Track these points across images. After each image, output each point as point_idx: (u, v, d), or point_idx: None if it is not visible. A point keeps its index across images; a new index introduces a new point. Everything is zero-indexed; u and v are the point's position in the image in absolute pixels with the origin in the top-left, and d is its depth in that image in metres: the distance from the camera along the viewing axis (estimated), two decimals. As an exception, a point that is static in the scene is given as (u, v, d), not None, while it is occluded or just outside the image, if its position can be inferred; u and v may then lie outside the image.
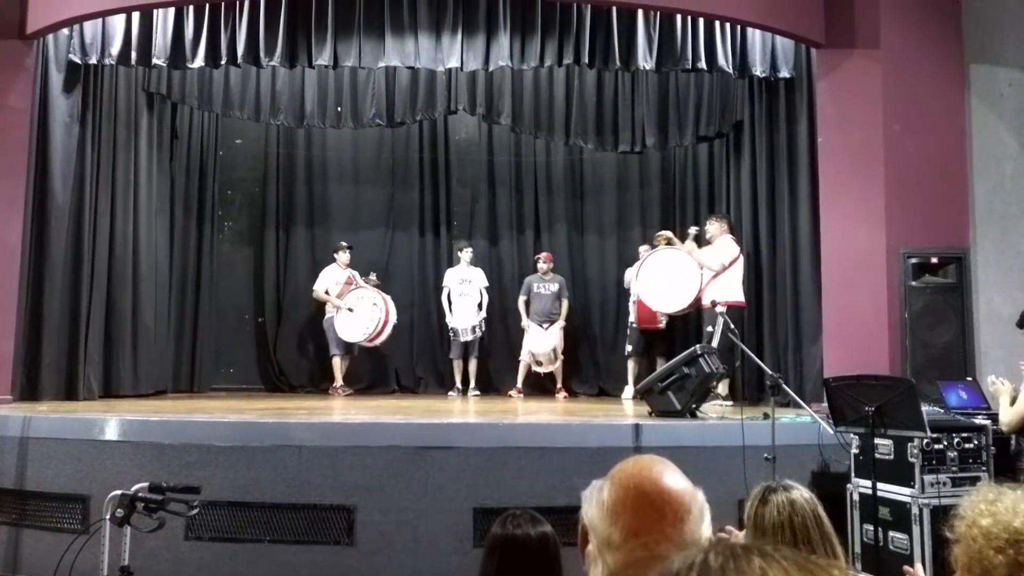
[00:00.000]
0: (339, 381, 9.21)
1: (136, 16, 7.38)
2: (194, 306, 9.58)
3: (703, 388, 6.46)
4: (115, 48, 7.41)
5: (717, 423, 6.13)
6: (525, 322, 9.21)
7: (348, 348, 9.22)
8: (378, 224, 10.31)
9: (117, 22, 7.41)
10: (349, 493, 5.24)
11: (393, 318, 9.19)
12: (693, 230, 8.45)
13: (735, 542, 0.91)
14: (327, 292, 9.27)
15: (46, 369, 7.21)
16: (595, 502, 1.40)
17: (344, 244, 9.53)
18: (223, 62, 7.57)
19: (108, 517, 3.50)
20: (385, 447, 5.34)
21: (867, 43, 7.04)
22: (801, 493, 2.52)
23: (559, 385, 9.16)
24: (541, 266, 9.33)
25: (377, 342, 9.20)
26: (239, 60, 7.48)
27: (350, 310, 9.09)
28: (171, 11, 7.36)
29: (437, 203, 10.35)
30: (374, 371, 9.92)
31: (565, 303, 9.25)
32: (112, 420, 5.60)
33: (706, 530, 1.39)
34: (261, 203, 10.31)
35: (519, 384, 9.17)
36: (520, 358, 9.19)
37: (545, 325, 9.09)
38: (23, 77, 7.20)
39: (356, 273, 9.49)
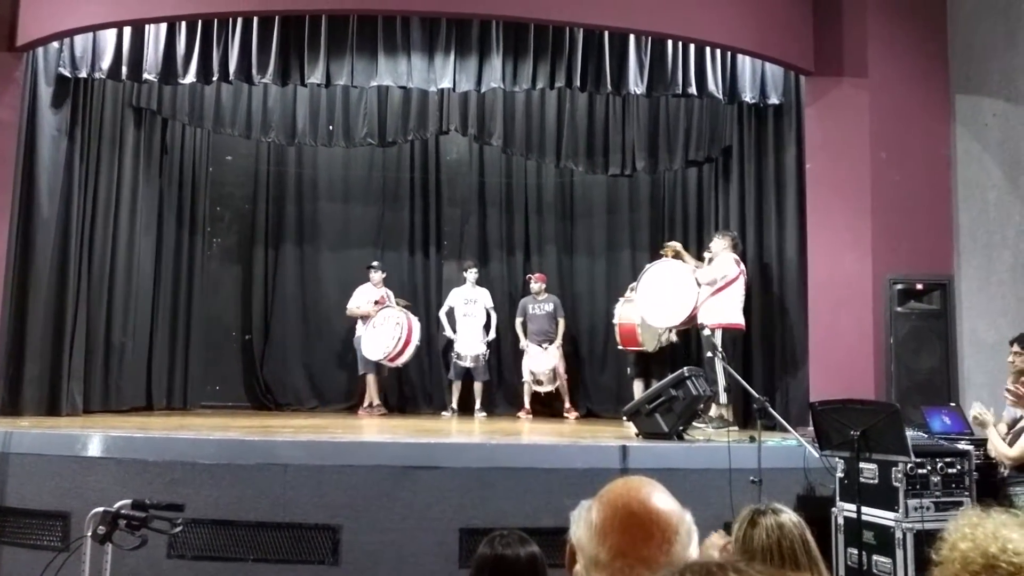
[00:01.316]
0: (371, 399, 9.21)
1: (127, 31, 7.38)
2: (185, 323, 9.51)
3: (690, 410, 6.47)
4: (105, 62, 7.41)
5: (704, 445, 6.14)
6: (523, 343, 9.24)
7: (376, 367, 9.20)
8: (368, 243, 10.30)
9: (108, 36, 7.41)
10: (334, 512, 5.21)
11: (415, 339, 9.16)
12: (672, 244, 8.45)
13: (710, 560, 0.93)
14: (358, 308, 9.30)
15: (28, 384, 7.14)
16: (583, 522, 1.41)
17: (375, 264, 9.57)
18: (215, 78, 7.57)
19: (89, 534, 3.46)
20: (371, 466, 5.32)
21: (855, 71, 7.14)
22: (790, 517, 2.53)
23: (567, 405, 9.16)
24: (534, 286, 9.37)
25: (399, 362, 9.18)
26: (231, 77, 7.48)
27: (373, 327, 9.12)
28: (163, 26, 7.37)
29: (427, 223, 10.36)
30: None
31: (561, 322, 9.28)
32: (95, 436, 5.55)
33: (693, 552, 1.39)
34: (250, 220, 10.29)
35: (526, 405, 9.19)
36: (523, 380, 9.21)
37: (544, 345, 9.12)
38: (12, 90, 7.17)
39: (390, 292, 9.50)
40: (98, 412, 7.88)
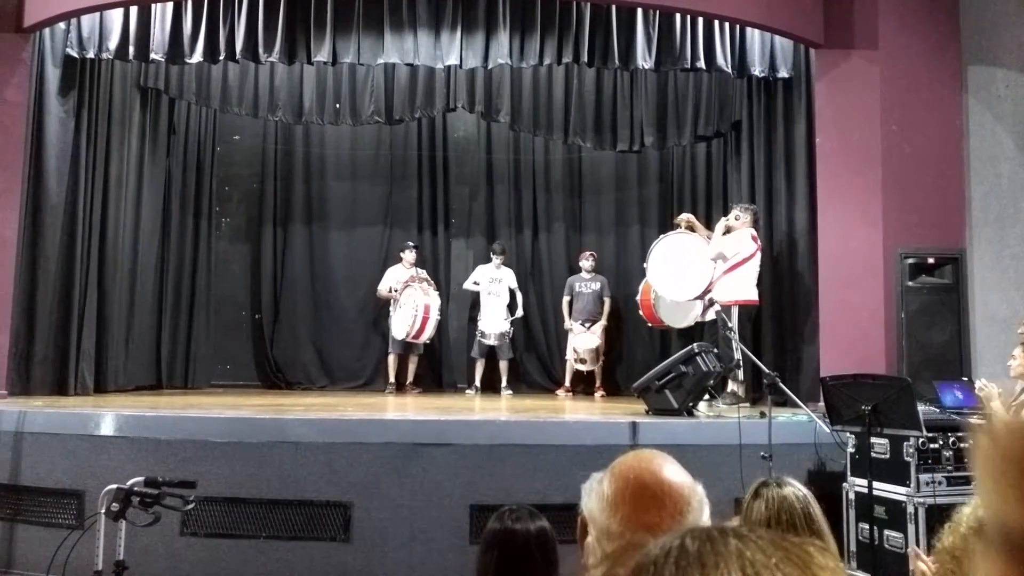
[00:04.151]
0: (391, 379, 9.28)
1: (134, 10, 7.35)
2: (190, 302, 9.55)
3: (700, 386, 6.46)
4: (112, 42, 7.39)
5: (714, 421, 6.14)
6: (568, 323, 9.26)
7: (405, 347, 9.26)
8: (376, 222, 10.29)
9: (115, 16, 7.39)
10: (345, 489, 5.24)
11: (434, 314, 9.17)
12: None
13: (712, 525, 0.91)
14: (391, 290, 9.31)
15: (38, 364, 7.18)
16: (595, 494, 1.40)
17: (410, 244, 9.58)
18: (221, 57, 7.55)
19: (103, 511, 3.49)
20: (382, 443, 5.34)
21: (865, 43, 7.06)
22: (794, 490, 2.52)
23: (598, 384, 9.18)
24: (583, 263, 9.37)
25: (422, 339, 9.21)
26: (237, 56, 7.45)
27: (400, 306, 9.16)
28: (169, 6, 7.34)
29: (435, 201, 10.34)
30: (373, 368, 9.91)
31: (608, 302, 9.28)
32: (108, 415, 5.59)
33: (705, 523, 1.39)
34: (259, 199, 10.28)
35: (567, 383, 9.23)
36: (567, 358, 9.25)
37: (587, 324, 9.13)
38: (20, 71, 7.17)
39: (422, 271, 9.52)
40: (109, 392, 7.93)
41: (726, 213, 7.99)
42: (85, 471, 5.35)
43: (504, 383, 9.36)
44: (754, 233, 7.53)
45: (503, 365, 9.41)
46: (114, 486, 3.48)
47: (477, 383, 9.37)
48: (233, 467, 5.27)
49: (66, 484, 5.39)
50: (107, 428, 5.49)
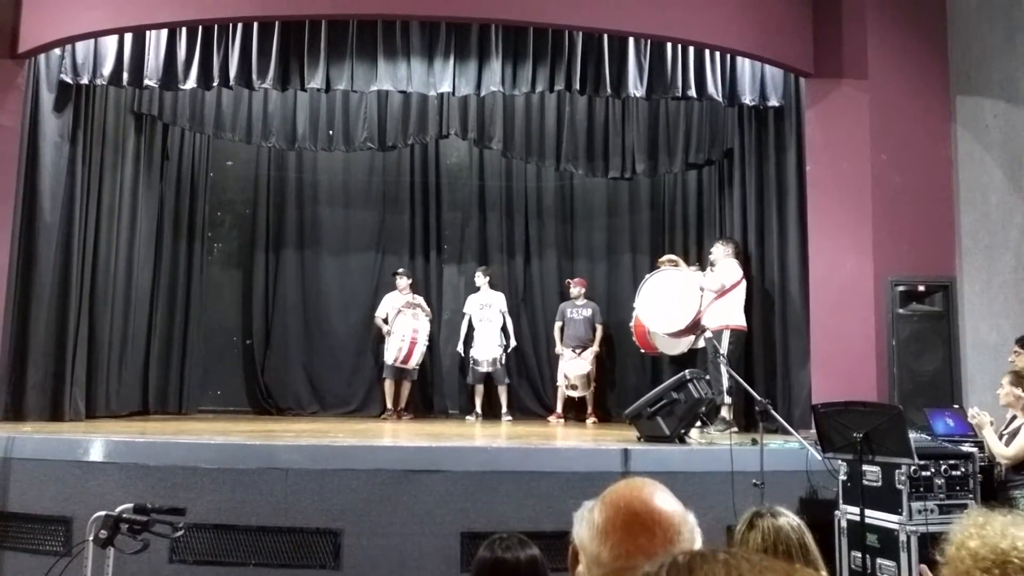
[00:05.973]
0: (389, 405, 9.29)
1: (128, 37, 7.39)
2: (182, 327, 9.53)
3: (692, 413, 6.46)
4: (107, 68, 7.42)
5: (706, 448, 6.13)
6: (559, 348, 9.28)
7: (397, 373, 9.25)
8: (368, 248, 10.30)
9: (109, 43, 7.43)
10: (336, 516, 5.20)
11: (422, 339, 9.19)
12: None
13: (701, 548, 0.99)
14: (385, 319, 9.34)
15: (31, 390, 7.13)
16: (586, 522, 1.40)
17: (401, 271, 9.61)
18: (215, 84, 7.58)
19: (91, 538, 3.46)
20: (372, 470, 5.31)
21: (855, 73, 7.14)
22: (788, 520, 2.52)
23: (590, 410, 9.17)
24: (573, 291, 9.42)
25: (410, 364, 9.21)
26: (231, 82, 7.49)
27: (389, 333, 9.21)
28: (163, 32, 7.38)
29: (428, 227, 10.37)
30: (364, 394, 9.88)
31: (599, 328, 9.32)
32: (97, 441, 5.55)
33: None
34: (251, 225, 10.29)
35: (558, 409, 9.23)
36: (558, 384, 9.26)
37: (578, 350, 9.15)
38: (14, 96, 7.18)
39: (419, 298, 9.52)
40: (100, 417, 7.88)
41: (733, 236, 8.17)
42: (73, 498, 5.30)
43: (504, 409, 9.35)
44: (736, 262, 7.77)
45: (501, 391, 9.41)
46: (102, 513, 3.44)
47: (478, 410, 9.37)
48: (223, 493, 5.23)
49: (54, 511, 5.34)
50: (96, 454, 5.45)
